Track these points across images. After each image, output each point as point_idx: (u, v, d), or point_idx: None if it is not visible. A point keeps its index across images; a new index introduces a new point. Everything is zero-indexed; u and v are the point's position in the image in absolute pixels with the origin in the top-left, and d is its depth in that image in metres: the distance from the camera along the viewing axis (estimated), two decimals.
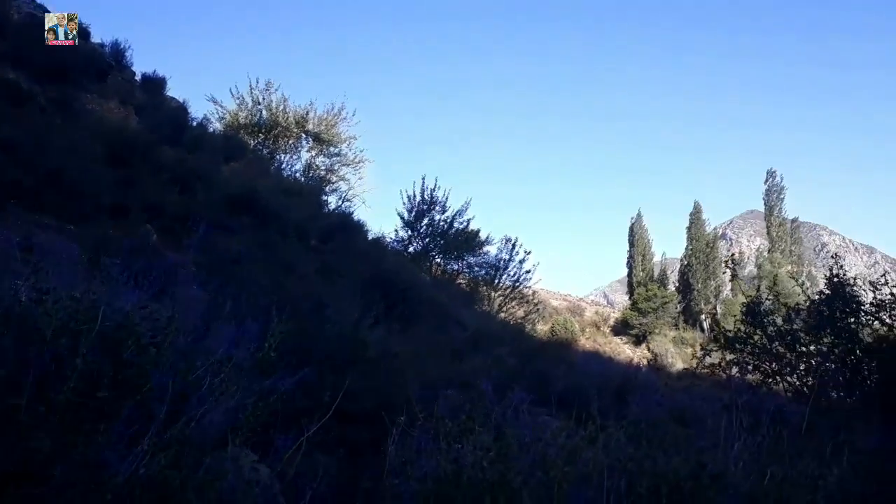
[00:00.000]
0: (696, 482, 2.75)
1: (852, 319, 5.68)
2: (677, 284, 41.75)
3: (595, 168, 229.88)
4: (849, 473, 3.07)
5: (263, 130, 19.18)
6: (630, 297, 41.12)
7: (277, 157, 19.21)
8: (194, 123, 15.71)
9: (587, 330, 33.66)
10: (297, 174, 18.97)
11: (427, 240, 18.97)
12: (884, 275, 5.87)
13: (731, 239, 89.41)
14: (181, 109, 15.80)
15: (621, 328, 36.87)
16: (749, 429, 3.75)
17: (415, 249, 18.67)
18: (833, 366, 5.54)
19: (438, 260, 19.52)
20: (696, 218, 40.92)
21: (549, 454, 2.89)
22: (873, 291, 5.77)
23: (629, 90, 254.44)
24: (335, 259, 11.93)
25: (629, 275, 43.35)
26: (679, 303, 38.50)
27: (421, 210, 18.99)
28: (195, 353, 3.10)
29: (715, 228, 44.29)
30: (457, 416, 3.34)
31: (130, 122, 12.61)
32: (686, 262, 40.77)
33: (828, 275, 6.09)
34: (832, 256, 6.47)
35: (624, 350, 31.44)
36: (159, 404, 2.31)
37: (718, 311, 34.79)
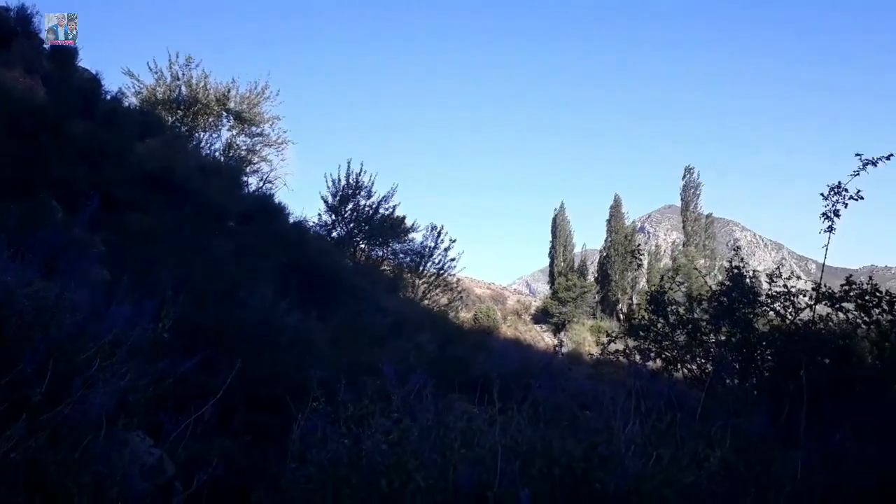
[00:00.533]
0: (588, 464, 2.85)
1: (749, 310, 5.97)
2: (596, 275, 42.98)
3: (521, 160, 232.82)
4: (732, 455, 3.23)
5: (182, 107, 18.46)
6: (551, 287, 42.06)
7: (196, 135, 18.53)
8: (108, 97, 14.97)
9: (509, 318, 34.19)
10: (217, 153, 18.39)
11: (351, 225, 18.80)
12: (778, 267, 6.19)
13: (648, 232, 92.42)
14: (94, 81, 15.01)
15: (542, 317, 37.64)
16: (646, 413, 3.90)
17: (338, 234, 18.47)
18: (729, 354, 5.82)
19: (362, 246, 19.39)
20: (616, 211, 42.16)
21: (447, 437, 2.93)
22: (769, 283, 6.07)
23: (556, 83, 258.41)
24: (253, 242, 11.65)
25: (551, 265, 44.34)
26: (597, 293, 39.65)
27: (346, 195, 18.78)
28: (86, 333, 2.98)
29: (634, 222, 45.74)
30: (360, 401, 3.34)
31: (37, 92, 11.92)
32: (605, 254, 42.01)
33: (728, 266, 6.39)
34: (733, 249, 6.78)
35: (543, 338, 32.09)
36: (36, 386, 2.20)
37: (634, 301, 35.99)
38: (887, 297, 5.37)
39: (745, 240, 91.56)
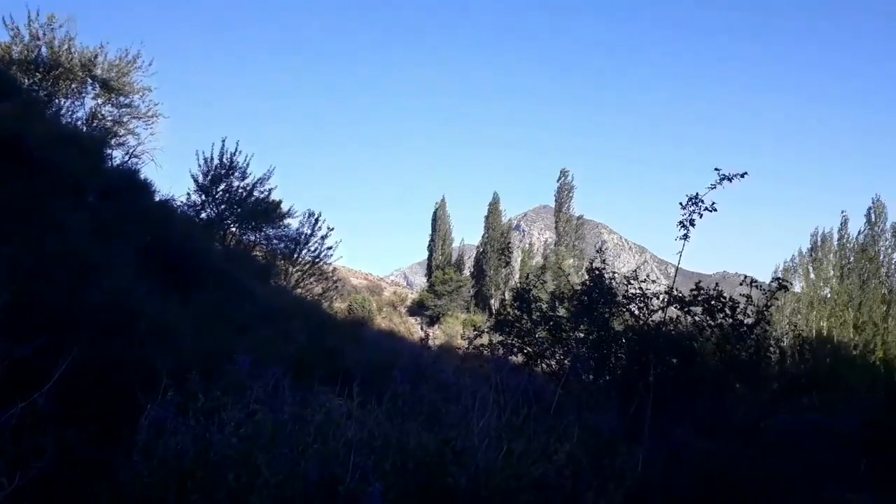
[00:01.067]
0: (441, 458, 2.88)
1: (607, 309, 6.29)
2: (472, 270, 43.87)
3: (405, 152, 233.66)
4: (580, 449, 3.37)
5: (42, 70, 16.95)
6: (428, 280, 42.49)
7: (56, 101, 17.07)
8: None
9: (384, 309, 34.19)
10: (79, 123, 17.03)
11: (223, 207, 18.01)
12: (635, 270, 6.55)
13: (524, 230, 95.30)
14: None
15: (417, 309, 37.93)
16: (504, 407, 4.00)
17: (208, 216, 17.64)
18: (586, 351, 6.10)
19: (234, 229, 18.62)
20: (494, 208, 43.21)
21: (302, 431, 2.87)
22: (626, 285, 6.41)
23: (442, 79, 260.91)
24: (114, 219, 10.93)
25: (429, 258, 44.80)
26: (472, 287, 40.49)
27: (218, 175, 17.93)
28: None
29: (511, 219, 46.92)
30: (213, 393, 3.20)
31: None
32: (482, 250, 42.95)
33: (588, 267, 6.69)
34: (598, 251, 7.10)
35: (417, 330, 32.34)
36: None
37: (507, 296, 37.00)
38: (730, 303, 5.81)
39: (612, 242, 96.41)
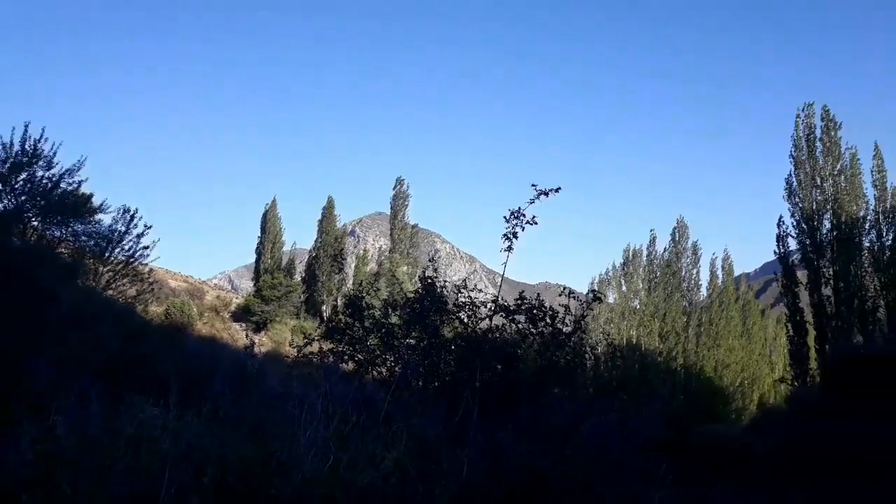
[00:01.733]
0: (264, 470, 2.78)
1: (438, 317, 6.42)
2: (304, 275, 43.00)
3: (234, 151, 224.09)
4: (406, 455, 3.40)
5: None
6: (255, 284, 41.04)
7: None
8: None
9: (206, 315, 32.53)
10: None
11: (23, 199, 16.24)
12: (465, 279, 6.77)
13: (359, 236, 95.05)
14: None
15: (243, 315, 36.47)
16: (332, 416, 3.94)
17: (5, 208, 15.82)
18: (417, 358, 6.19)
19: (36, 223, 16.85)
20: (328, 212, 42.70)
21: (113, 445, 2.64)
22: (457, 293, 6.59)
23: (273, 76, 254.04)
24: None
25: (257, 261, 43.32)
26: (303, 293, 39.66)
27: (19, 162, 16.15)
28: None
29: (345, 225, 46.70)
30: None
31: None
32: (315, 254, 42.25)
33: (421, 275, 6.81)
34: (429, 260, 7.25)
35: (242, 337, 31.09)
36: None
37: (339, 303, 36.64)
38: (550, 312, 6.18)
39: (445, 251, 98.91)
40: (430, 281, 6.67)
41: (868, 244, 22.83)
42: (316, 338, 6.69)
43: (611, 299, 32.61)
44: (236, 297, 43.00)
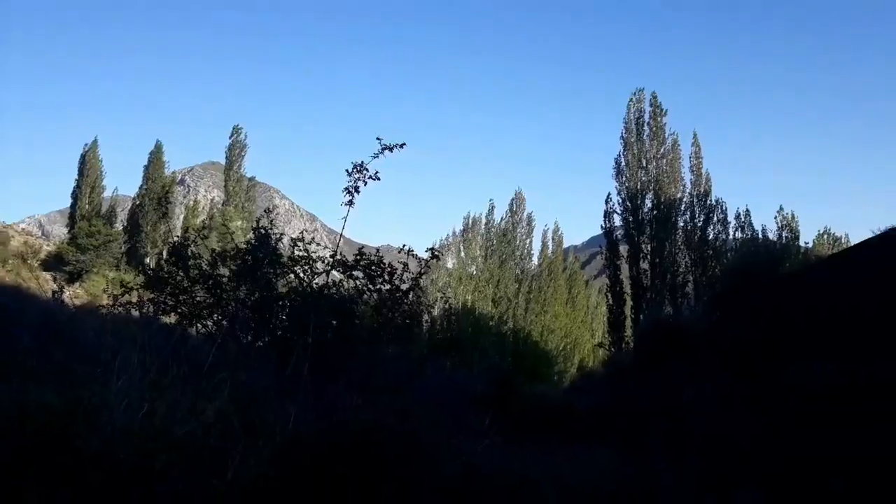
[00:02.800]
0: (70, 419, 2.47)
1: (271, 270, 6.12)
2: (126, 224, 39.96)
3: (48, 83, 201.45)
4: (230, 406, 3.20)
5: None
6: (70, 231, 37.60)
7: None
8: None
9: (10, 262, 29.33)
10: None
11: None
12: (301, 233, 6.50)
13: (189, 186, 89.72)
14: None
15: (55, 263, 33.34)
16: (150, 367, 3.65)
17: None
18: (247, 312, 5.88)
19: None
20: (155, 157, 39.79)
21: None
22: (292, 247, 6.32)
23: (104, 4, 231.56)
24: None
25: (73, 206, 39.63)
26: (125, 243, 36.90)
27: None
28: None
29: (175, 173, 43.82)
30: None
31: None
32: (139, 202, 39.32)
33: (254, 226, 6.45)
34: (264, 211, 6.89)
35: (53, 287, 28.42)
36: None
37: (165, 254, 34.50)
38: (388, 269, 6.10)
39: (284, 207, 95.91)
40: (264, 232, 6.34)
41: (682, 224, 25.06)
42: (136, 287, 6.14)
43: (450, 265, 33.48)
44: (47, 245, 39.19)
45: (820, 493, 7.10)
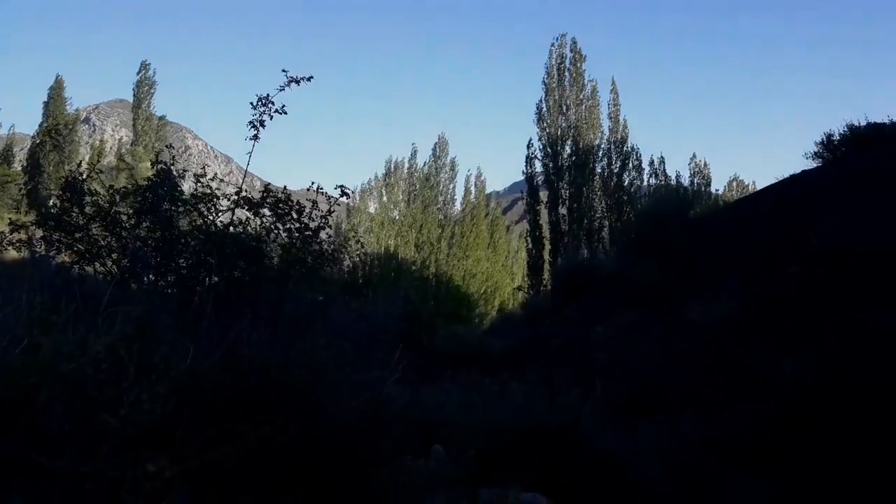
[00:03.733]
0: None
1: (173, 207, 5.87)
2: (25, 164, 37.58)
3: None
4: (125, 343, 3.08)
5: None
6: None
7: None
8: None
9: None
10: None
11: None
12: (203, 167, 6.23)
13: (95, 125, 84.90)
14: None
15: None
16: (39, 304, 3.47)
17: None
18: (148, 250, 5.64)
19: None
20: (56, 93, 37.33)
21: None
22: (196, 184, 6.06)
23: None
24: None
25: None
26: (25, 184, 34.81)
27: None
28: None
29: (78, 110, 41.19)
30: None
31: None
32: (39, 141, 36.94)
33: (154, 160, 6.14)
34: (167, 146, 6.58)
35: None
36: None
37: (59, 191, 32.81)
38: (297, 206, 5.95)
39: (198, 149, 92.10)
40: (165, 166, 6.04)
41: (600, 171, 25.59)
42: (28, 224, 5.76)
43: (372, 209, 33.21)
44: None
45: (716, 420, 7.57)
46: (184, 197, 5.92)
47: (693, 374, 8.81)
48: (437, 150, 33.81)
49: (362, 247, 30.06)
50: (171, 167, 6.09)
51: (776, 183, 14.21)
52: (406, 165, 33.84)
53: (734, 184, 32.04)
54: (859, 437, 6.05)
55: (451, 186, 34.11)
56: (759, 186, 22.59)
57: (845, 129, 14.20)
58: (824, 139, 14.51)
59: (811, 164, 14.41)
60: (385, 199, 33.25)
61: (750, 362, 8.29)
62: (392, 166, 33.86)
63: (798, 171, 14.02)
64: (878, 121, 13.80)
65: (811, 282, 9.15)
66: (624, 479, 5.31)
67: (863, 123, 14.03)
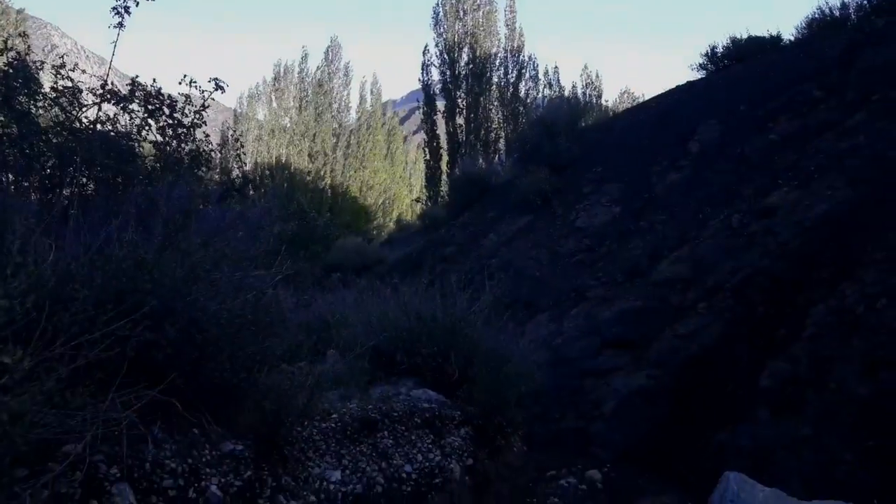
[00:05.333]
0: None
1: (30, 101, 5.36)
2: None
3: None
4: None
5: None
6: None
7: None
8: None
9: None
10: None
11: None
12: (62, 57, 5.69)
13: None
14: None
15: None
16: None
17: None
18: (4, 148, 5.17)
19: None
20: None
21: None
22: (55, 76, 5.55)
23: None
24: None
25: None
26: None
27: None
28: None
29: None
30: None
31: None
32: None
33: (2, 46, 5.54)
34: (20, 34, 5.94)
35: None
36: None
37: None
38: (168, 101, 5.59)
39: (67, 47, 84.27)
40: (19, 56, 5.47)
41: (497, 80, 25.49)
42: None
43: (261, 116, 31.79)
44: None
45: (600, 319, 8.01)
46: (42, 91, 5.41)
47: (578, 275, 9.21)
48: (330, 54, 32.35)
49: (243, 151, 28.65)
50: (27, 57, 5.53)
51: (661, 94, 14.65)
52: (297, 70, 32.22)
53: (625, 95, 32.83)
54: (719, 322, 6.59)
55: (346, 94, 32.90)
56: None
57: (728, 42, 14.78)
58: (708, 51, 15.06)
59: (697, 76, 14.94)
60: (275, 105, 31.76)
61: (629, 262, 8.75)
62: (282, 70, 32.13)
63: (683, 82, 14.51)
64: (759, 34, 14.46)
65: (689, 187, 9.63)
66: (511, 372, 5.53)
67: (744, 36, 14.66)
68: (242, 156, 27.64)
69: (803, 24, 13.23)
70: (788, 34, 13.08)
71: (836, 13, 11.92)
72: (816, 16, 12.74)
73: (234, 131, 29.39)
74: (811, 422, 4.82)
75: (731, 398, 5.71)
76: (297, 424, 3.55)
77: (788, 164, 8.27)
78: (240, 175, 22.98)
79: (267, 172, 29.22)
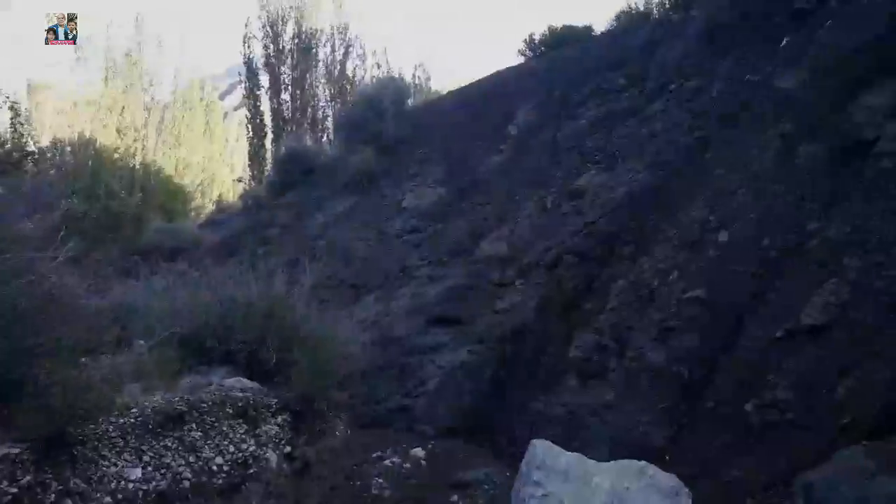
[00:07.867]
0: None
1: None
2: None
3: None
4: None
5: None
6: None
7: None
8: None
9: None
10: None
11: None
12: None
13: None
14: None
15: None
16: None
17: None
18: None
19: None
20: None
21: None
22: None
23: None
24: None
25: None
26: None
27: None
28: None
29: None
30: None
31: None
32: None
33: None
34: None
35: None
36: None
37: None
38: None
39: None
40: None
41: (323, 57, 24.91)
42: None
43: (62, 87, 28.75)
44: None
45: (427, 298, 8.14)
46: None
47: (405, 255, 9.29)
48: (140, 21, 29.80)
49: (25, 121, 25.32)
50: None
51: (483, 78, 15.07)
52: (103, 38, 29.27)
53: (455, 79, 33.46)
54: (534, 297, 6.94)
55: (159, 66, 30.49)
56: None
57: (545, 31, 15.50)
58: (528, 39, 15.70)
59: (519, 61, 15.52)
60: (77, 76, 28.69)
61: (454, 241, 8.96)
62: (85, 38, 29.11)
63: (504, 67, 15.02)
64: (573, 23, 15.29)
65: (508, 169, 10.01)
66: (332, 355, 5.44)
67: (560, 26, 15.44)
68: (27, 127, 24.59)
69: (613, 17, 14.10)
70: (602, 26, 13.89)
71: (641, 7, 12.79)
72: (625, 8, 13.62)
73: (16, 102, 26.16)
74: (614, 388, 5.21)
75: (546, 369, 6.03)
76: (90, 421, 3.23)
77: (597, 147, 8.84)
78: (35, 151, 20.57)
79: (68, 149, 26.42)
